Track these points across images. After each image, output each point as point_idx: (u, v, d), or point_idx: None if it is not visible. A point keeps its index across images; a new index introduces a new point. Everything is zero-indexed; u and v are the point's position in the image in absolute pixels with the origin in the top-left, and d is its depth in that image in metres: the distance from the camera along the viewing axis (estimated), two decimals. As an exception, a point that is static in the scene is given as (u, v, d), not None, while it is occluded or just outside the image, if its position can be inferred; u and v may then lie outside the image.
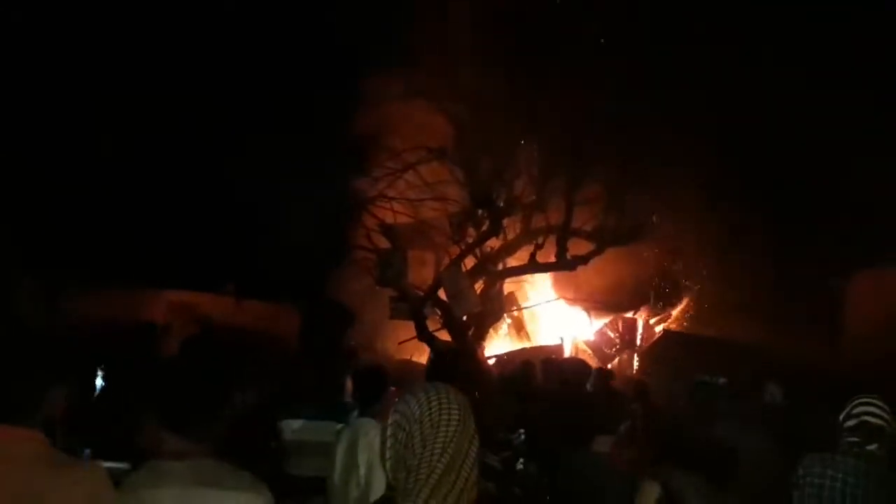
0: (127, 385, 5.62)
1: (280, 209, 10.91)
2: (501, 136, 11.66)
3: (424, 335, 11.65)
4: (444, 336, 11.74)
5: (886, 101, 10.13)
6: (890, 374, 6.81)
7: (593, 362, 10.67)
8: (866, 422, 3.31)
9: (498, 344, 13.40)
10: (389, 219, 11.98)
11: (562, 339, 13.02)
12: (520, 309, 13.63)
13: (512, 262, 12.63)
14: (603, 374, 6.79)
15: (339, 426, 4.41)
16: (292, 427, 4.80)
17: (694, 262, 12.92)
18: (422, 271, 12.32)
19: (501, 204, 11.96)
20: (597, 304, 13.35)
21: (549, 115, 11.34)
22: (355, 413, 4.35)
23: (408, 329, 12.05)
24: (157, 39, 11.15)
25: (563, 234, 11.99)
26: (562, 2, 12.40)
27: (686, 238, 12.36)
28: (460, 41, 11.49)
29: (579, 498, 4.06)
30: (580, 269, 12.34)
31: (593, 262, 12.20)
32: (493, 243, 12.24)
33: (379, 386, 4.28)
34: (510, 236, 12.31)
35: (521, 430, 4.78)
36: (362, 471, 3.84)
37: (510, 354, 12.13)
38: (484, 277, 12.08)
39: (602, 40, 11.64)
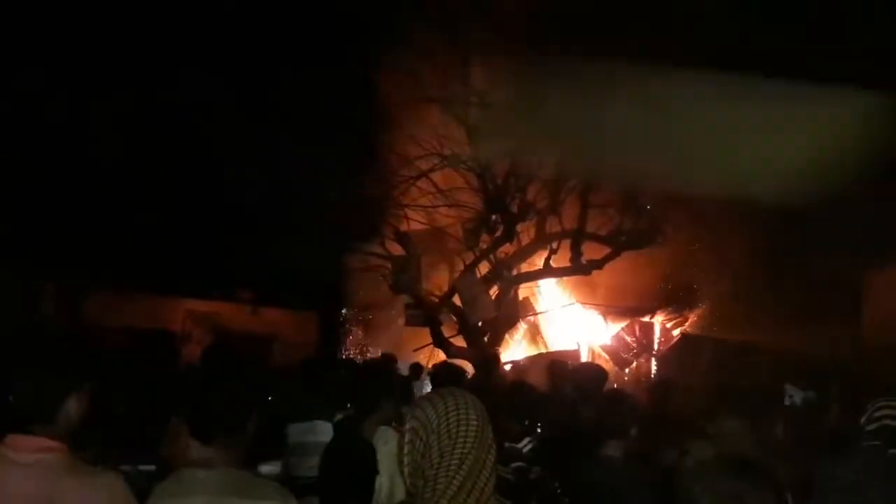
0: (149, 393, 5.65)
1: (295, 217, 10.93)
2: (515, 140, 11.62)
3: (439, 341, 11.66)
4: (460, 342, 11.73)
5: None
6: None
7: (610, 367, 10.60)
8: (888, 426, 3.28)
9: (514, 349, 13.36)
10: (404, 226, 12.01)
11: (578, 345, 12.97)
12: (535, 314, 13.59)
13: (526, 267, 12.61)
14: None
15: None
16: (293, 428, 4.85)
17: (710, 263, 12.77)
18: (436, 278, 12.32)
19: (515, 209, 11.95)
20: (613, 308, 13.27)
21: (563, 119, 11.27)
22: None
23: (423, 335, 12.06)
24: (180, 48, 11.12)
25: (578, 239, 11.96)
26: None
27: (702, 239, 12.25)
28: (473, 44, 11.49)
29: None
30: (595, 273, 12.28)
31: (609, 266, 12.14)
32: (508, 249, 12.21)
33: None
34: (524, 241, 12.29)
35: (528, 439, 4.72)
36: (384, 480, 3.83)
37: (527, 360, 12.09)
38: (499, 283, 12.06)
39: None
